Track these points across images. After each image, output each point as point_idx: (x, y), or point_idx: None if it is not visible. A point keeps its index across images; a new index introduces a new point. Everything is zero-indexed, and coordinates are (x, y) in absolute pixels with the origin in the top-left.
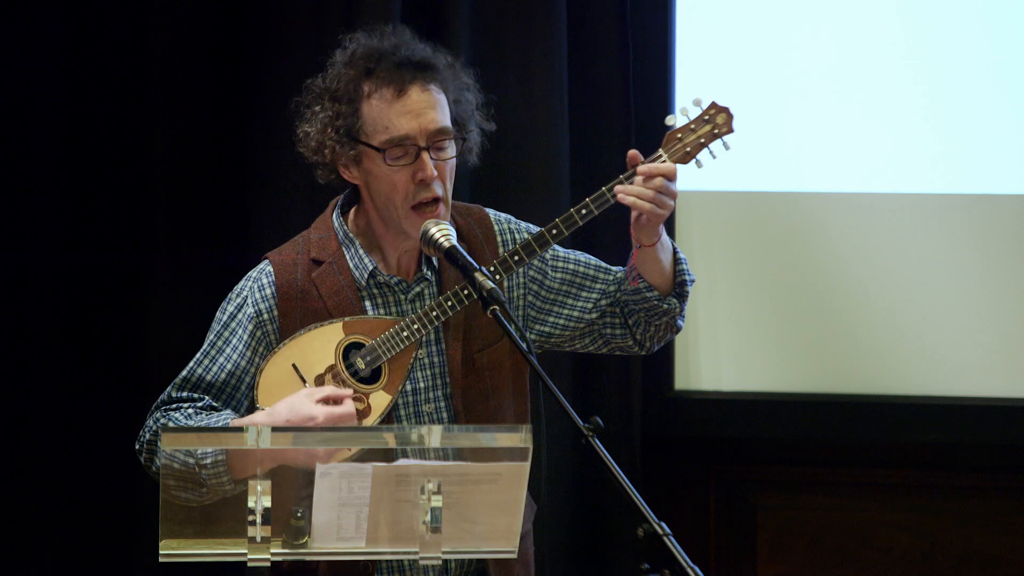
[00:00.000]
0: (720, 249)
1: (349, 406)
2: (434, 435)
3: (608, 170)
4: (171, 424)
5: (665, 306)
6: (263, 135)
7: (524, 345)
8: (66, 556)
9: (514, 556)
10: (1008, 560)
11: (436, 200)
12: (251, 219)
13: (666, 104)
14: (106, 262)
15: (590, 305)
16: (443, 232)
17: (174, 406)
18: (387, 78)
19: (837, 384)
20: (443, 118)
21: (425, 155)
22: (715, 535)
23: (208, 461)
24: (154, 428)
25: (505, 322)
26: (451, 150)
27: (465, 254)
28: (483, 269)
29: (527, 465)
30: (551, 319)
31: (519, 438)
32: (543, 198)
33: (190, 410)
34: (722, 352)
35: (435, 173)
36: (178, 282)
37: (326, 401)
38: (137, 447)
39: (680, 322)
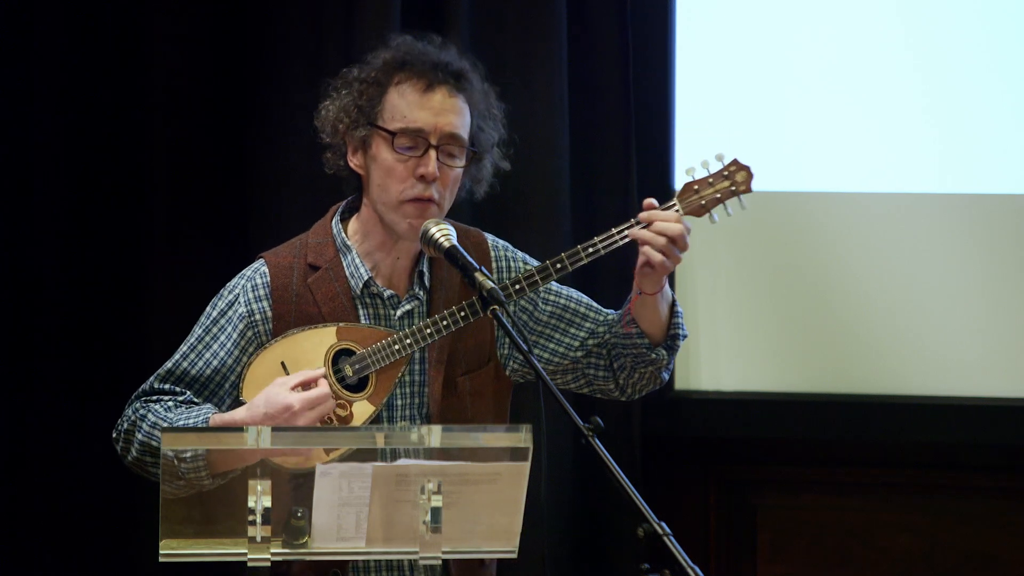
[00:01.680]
0: (720, 249)
1: (323, 387)
2: (434, 435)
3: (609, 171)
4: (150, 415)
5: (653, 355)
6: (263, 135)
7: (524, 345)
8: (66, 556)
9: (514, 556)
10: (1008, 560)
11: (430, 200)
12: (250, 220)
13: (666, 104)
14: (106, 261)
15: (576, 343)
16: (443, 232)
17: (155, 398)
18: (420, 72)
19: (837, 384)
20: (461, 126)
21: (432, 153)
22: (715, 535)
23: (188, 455)
24: (132, 418)
25: (506, 322)
26: (459, 160)
27: (465, 254)
28: (483, 269)
29: (527, 465)
30: (535, 351)
31: (519, 438)
32: (542, 199)
33: (170, 403)
34: (722, 352)
35: (436, 173)
36: (177, 282)
37: (301, 386)
38: (114, 435)
39: (665, 375)
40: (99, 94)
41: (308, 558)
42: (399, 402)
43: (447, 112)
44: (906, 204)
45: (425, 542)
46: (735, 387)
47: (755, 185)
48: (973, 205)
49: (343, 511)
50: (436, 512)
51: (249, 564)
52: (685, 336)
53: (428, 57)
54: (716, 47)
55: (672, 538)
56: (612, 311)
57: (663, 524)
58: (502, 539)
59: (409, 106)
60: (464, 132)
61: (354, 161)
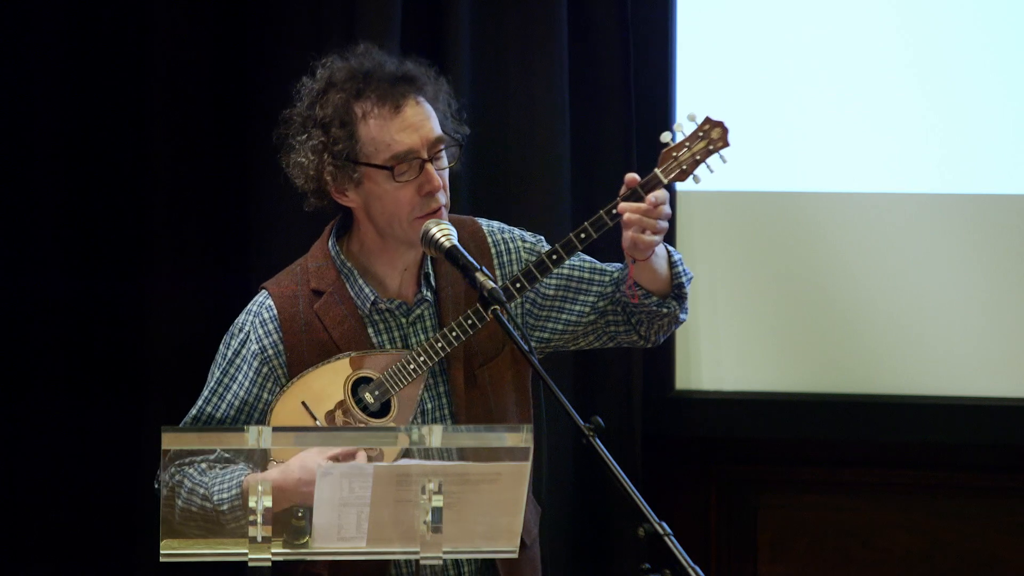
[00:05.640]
0: (720, 249)
1: (361, 459)
2: (434, 435)
3: (609, 171)
4: (187, 481)
5: (664, 310)
6: (263, 135)
7: (525, 346)
8: (66, 556)
9: (514, 556)
10: (1008, 560)
11: (439, 209)
12: (252, 219)
13: (667, 104)
14: (106, 261)
15: (587, 309)
16: (444, 232)
17: (187, 458)
18: (381, 96)
19: (837, 384)
20: (438, 128)
21: (429, 166)
22: (715, 535)
23: (225, 508)
24: (170, 484)
25: (506, 322)
26: (446, 159)
27: (466, 254)
28: (483, 269)
29: (527, 465)
30: (550, 325)
31: (519, 438)
32: (544, 200)
33: (203, 464)
34: (723, 352)
35: (440, 183)
36: (178, 281)
37: (337, 459)
38: (155, 486)
39: (683, 316)
40: (99, 94)
41: (308, 558)
42: (429, 405)
43: (423, 122)
44: (906, 204)
45: (426, 542)
46: (735, 387)
47: (755, 185)
48: (973, 205)
49: (344, 511)
50: (437, 512)
51: (250, 564)
52: (690, 279)
53: (380, 76)
54: (716, 47)
55: (673, 538)
56: (615, 265)
57: (664, 524)
58: (502, 539)
59: (389, 133)
60: (440, 130)
61: (344, 200)
